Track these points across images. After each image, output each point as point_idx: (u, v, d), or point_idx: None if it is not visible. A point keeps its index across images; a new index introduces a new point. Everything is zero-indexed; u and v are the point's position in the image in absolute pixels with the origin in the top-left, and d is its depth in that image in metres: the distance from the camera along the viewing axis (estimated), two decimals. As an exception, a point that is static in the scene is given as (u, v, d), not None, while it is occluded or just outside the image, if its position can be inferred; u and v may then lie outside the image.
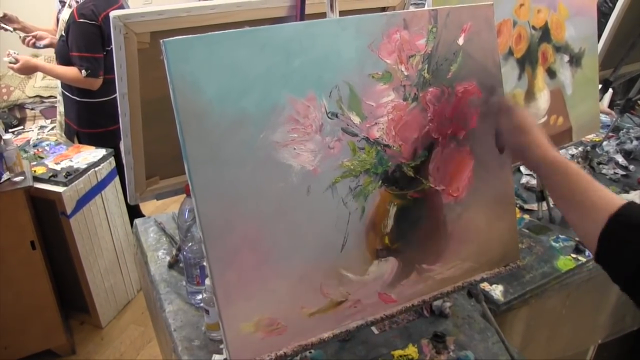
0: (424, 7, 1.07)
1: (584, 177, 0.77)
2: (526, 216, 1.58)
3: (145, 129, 1.05)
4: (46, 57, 3.39)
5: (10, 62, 2.22)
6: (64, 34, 2.19)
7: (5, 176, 1.87)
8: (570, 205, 0.78)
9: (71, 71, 2.19)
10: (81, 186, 2.10)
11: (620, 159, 1.90)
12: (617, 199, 0.73)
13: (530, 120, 0.87)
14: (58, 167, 2.12)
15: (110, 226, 2.32)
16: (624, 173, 1.83)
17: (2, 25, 2.33)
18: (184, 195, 1.15)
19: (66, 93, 2.34)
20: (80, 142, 2.38)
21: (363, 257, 0.87)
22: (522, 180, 1.78)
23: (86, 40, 2.15)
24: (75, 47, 2.15)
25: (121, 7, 2.21)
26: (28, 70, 2.30)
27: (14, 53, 2.23)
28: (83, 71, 2.15)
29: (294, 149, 0.78)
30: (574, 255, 1.39)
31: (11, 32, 2.39)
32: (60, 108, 2.51)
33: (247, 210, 0.75)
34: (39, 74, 3.61)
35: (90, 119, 2.35)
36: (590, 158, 1.88)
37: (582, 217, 0.76)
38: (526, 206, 1.64)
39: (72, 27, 2.14)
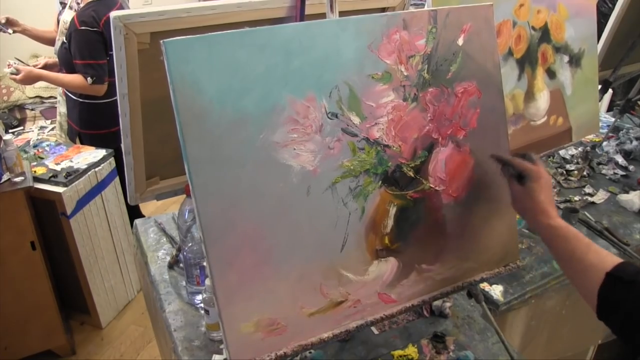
0: (423, 7, 1.07)
1: (582, 240, 0.82)
2: (526, 216, 1.58)
3: (145, 130, 1.05)
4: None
5: (11, 74, 2.18)
6: (65, 40, 2.18)
7: (6, 177, 1.87)
8: (570, 266, 0.83)
9: (77, 79, 2.18)
10: (81, 186, 2.10)
11: (620, 159, 1.90)
12: (613, 258, 0.78)
13: (538, 187, 0.88)
14: (58, 168, 2.12)
15: (110, 227, 2.32)
16: (624, 173, 1.83)
17: (2, 28, 2.32)
18: (184, 195, 1.15)
19: (69, 94, 2.34)
20: (82, 143, 2.38)
21: (363, 257, 0.87)
22: (522, 181, 1.78)
23: (89, 48, 2.14)
24: (79, 55, 2.15)
25: (120, 9, 2.21)
26: (31, 81, 2.27)
27: (14, 63, 2.20)
28: (89, 79, 2.15)
29: (294, 149, 0.78)
30: (573, 256, 1.39)
31: (10, 34, 2.39)
32: (61, 109, 2.51)
33: (247, 210, 0.76)
34: (39, 74, 3.60)
35: (91, 120, 2.35)
36: (590, 158, 1.88)
37: (581, 276, 0.81)
38: (526, 206, 1.63)
39: (73, 35, 2.13)
